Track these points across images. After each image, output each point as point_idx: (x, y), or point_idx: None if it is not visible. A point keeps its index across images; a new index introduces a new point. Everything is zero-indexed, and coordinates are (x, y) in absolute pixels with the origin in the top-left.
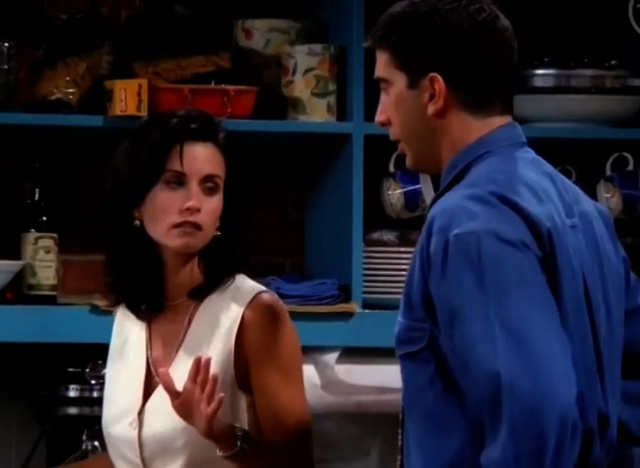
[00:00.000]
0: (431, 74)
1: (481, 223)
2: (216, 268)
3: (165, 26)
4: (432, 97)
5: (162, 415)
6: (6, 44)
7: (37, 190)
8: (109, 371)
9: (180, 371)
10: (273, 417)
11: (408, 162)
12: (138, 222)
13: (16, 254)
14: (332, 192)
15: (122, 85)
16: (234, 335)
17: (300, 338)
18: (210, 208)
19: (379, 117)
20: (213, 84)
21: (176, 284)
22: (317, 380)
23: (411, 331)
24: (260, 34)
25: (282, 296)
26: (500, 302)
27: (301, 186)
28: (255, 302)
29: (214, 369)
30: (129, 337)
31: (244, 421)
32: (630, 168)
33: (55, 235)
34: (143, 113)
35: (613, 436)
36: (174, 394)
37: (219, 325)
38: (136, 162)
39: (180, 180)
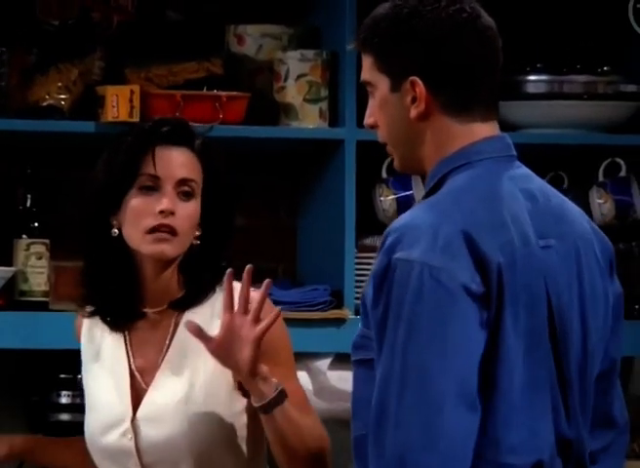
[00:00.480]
0: (412, 77)
1: (421, 254)
2: (196, 280)
3: (157, 32)
4: (414, 100)
5: (155, 424)
6: None
7: (29, 196)
8: (88, 381)
9: (167, 378)
10: None
11: (395, 164)
12: (116, 231)
13: (7, 261)
14: (324, 198)
15: (114, 91)
16: None
17: (292, 344)
18: (185, 213)
19: (367, 120)
20: (205, 90)
21: (155, 291)
22: (310, 386)
23: (365, 338)
24: (252, 40)
25: (274, 302)
26: (406, 341)
27: (294, 192)
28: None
29: (208, 376)
30: (102, 345)
31: (243, 425)
32: (623, 174)
33: (46, 241)
34: (135, 119)
35: (582, 457)
36: (207, 339)
37: (209, 330)
38: (111, 168)
39: (154, 184)
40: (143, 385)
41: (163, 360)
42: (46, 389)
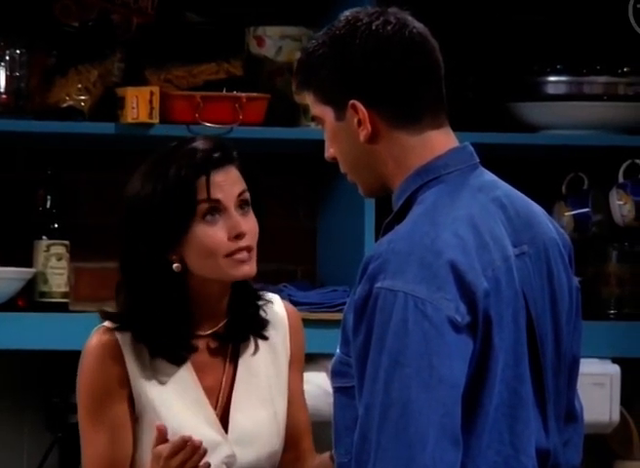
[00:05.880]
0: (351, 101)
1: (405, 283)
2: (245, 298)
3: (176, 33)
4: (360, 123)
5: (246, 446)
6: (17, 51)
7: (49, 197)
8: (154, 403)
9: (245, 399)
10: (297, 423)
11: (361, 192)
12: (179, 265)
13: (27, 262)
14: (343, 199)
15: (134, 92)
16: (288, 342)
17: (311, 345)
18: (252, 227)
19: (327, 154)
20: (224, 91)
21: (214, 313)
22: (328, 387)
23: (344, 365)
24: (271, 41)
25: (294, 303)
26: (390, 373)
27: (313, 193)
28: (287, 306)
29: (275, 393)
30: (160, 365)
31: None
32: None
33: (66, 242)
34: (155, 120)
35: (558, 465)
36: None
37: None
38: (167, 204)
39: (216, 209)
40: (215, 407)
41: (234, 380)
42: (66, 390)
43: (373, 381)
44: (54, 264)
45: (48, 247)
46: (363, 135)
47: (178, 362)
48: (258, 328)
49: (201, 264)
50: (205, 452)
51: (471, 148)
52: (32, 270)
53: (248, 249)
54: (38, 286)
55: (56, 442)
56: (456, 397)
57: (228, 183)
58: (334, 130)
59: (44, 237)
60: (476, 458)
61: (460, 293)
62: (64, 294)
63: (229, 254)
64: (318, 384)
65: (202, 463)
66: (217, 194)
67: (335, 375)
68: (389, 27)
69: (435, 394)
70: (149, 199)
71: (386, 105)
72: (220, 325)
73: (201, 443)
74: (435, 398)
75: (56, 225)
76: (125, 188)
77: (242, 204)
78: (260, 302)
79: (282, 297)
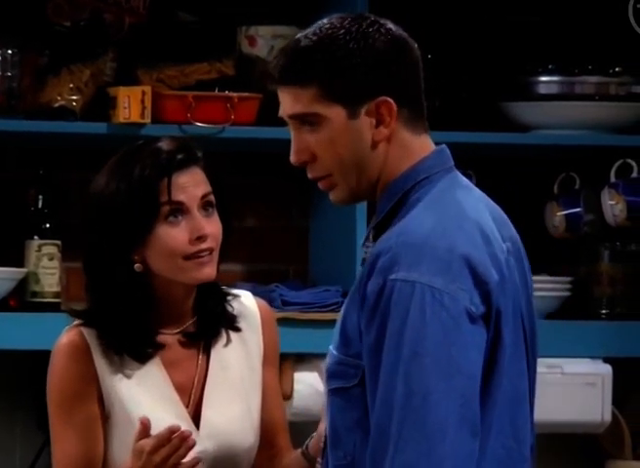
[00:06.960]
0: (380, 98)
1: (421, 275)
2: (211, 296)
3: (168, 33)
4: (379, 122)
5: (217, 442)
6: (9, 51)
7: (41, 197)
8: (123, 401)
9: (217, 395)
10: (273, 420)
11: (340, 197)
12: (140, 266)
13: (19, 262)
14: None
15: (126, 92)
16: (261, 336)
17: (303, 345)
18: (215, 229)
19: (299, 156)
20: (216, 91)
21: (181, 313)
22: (320, 387)
23: (344, 365)
24: (263, 41)
25: (286, 303)
26: (409, 364)
27: (305, 193)
28: (258, 301)
29: (247, 388)
30: (129, 363)
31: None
32: (635, 175)
33: (58, 242)
34: (147, 120)
35: (534, 461)
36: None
37: (240, 332)
38: (131, 205)
39: (179, 211)
40: (188, 403)
41: (206, 377)
42: None
43: (390, 373)
44: (45, 264)
45: (39, 246)
46: (382, 134)
47: (142, 359)
48: (227, 321)
49: (162, 265)
50: (194, 444)
51: (448, 151)
52: (24, 270)
53: (209, 250)
54: (30, 286)
55: (47, 442)
56: (474, 387)
57: (192, 185)
58: (341, 129)
59: (36, 237)
60: (486, 450)
61: (474, 285)
62: (56, 294)
63: (189, 257)
64: (310, 384)
65: (187, 458)
66: (179, 196)
67: (331, 377)
68: (394, 29)
69: (454, 384)
70: (113, 198)
71: (408, 106)
72: (188, 324)
73: (190, 433)
74: (454, 388)
75: (47, 225)
76: (90, 184)
77: (206, 205)
78: (228, 298)
79: (273, 297)
